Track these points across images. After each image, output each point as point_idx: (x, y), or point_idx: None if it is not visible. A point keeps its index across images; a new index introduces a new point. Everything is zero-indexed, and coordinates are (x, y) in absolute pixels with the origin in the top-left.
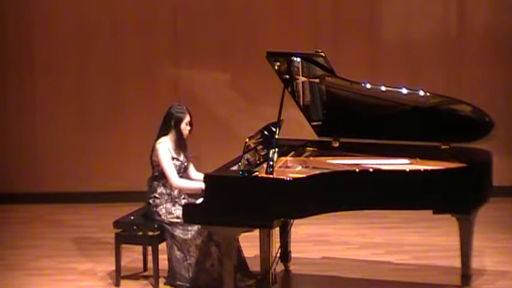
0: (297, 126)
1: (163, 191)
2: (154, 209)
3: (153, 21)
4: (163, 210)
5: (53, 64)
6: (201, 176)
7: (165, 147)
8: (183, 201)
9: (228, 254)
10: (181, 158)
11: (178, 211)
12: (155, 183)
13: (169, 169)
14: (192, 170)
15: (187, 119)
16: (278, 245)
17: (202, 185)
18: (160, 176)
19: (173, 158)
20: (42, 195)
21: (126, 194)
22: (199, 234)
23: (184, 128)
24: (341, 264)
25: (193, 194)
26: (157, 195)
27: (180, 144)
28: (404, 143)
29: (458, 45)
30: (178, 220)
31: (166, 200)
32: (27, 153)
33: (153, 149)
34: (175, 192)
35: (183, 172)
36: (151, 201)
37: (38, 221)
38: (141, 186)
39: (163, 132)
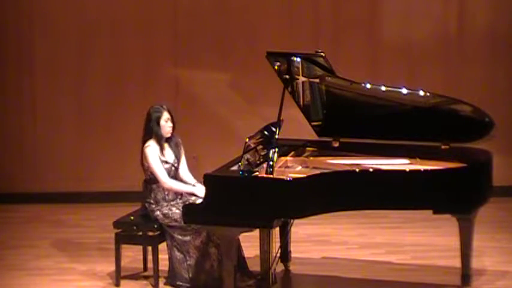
0: (297, 126)
1: (157, 196)
2: (151, 213)
3: (153, 21)
4: (161, 216)
5: (53, 64)
6: (190, 177)
7: (153, 150)
8: (180, 202)
9: (228, 254)
10: (170, 159)
11: (175, 215)
12: (148, 187)
13: (159, 171)
14: (183, 170)
15: (165, 116)
16: (278, 245)
17: (192, 189)
18: (152, 180)
19: (162, 161)
20: (42, 195)
21: (126, 194)
22: (198, 236)
23: (164, 125)
24: (341, 264)
25: (192, 195)
26: (152, 201)
27: (166, 144)
28: (404, 143)
29: (458, 45)
30: (176, 223)
31: (162, 206)
32: (27, 153)
33: (142, 154)
34: (170, 196)
35: (174, 173)
36: (147, 205)
37: (38, 221)
38: (141, 186)
39: (147, 136)
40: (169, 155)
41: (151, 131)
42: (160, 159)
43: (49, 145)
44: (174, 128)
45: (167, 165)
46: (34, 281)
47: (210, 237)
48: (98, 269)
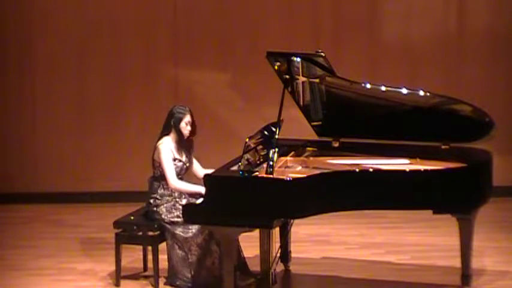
0: (297, 126)
1: (164, 192)
2: (155, 209)
3: (153, 21)
4: (164, 210)
5: (53, 64)
6: (209, 171)
7: (167, 147)
8: (184, 201)
9: (228, 253)
10: (183, 158)
11: (178, 210)
12: (156, 183)
13: (169, 170)
14: (199, 168)
15: (187, 119)
16: (278, 245)
17: (199, 188)
18: (161, 177)
19: (175, 159)
20: (42, 195)
21: (126, 194)
22: (200, 233)
23: (184, 127)
24: (341, 264)
25: (194, 195)
26: (158, 197)
27: (181, 145)
28: (404, 143)
29: (458, 45)
30: (178, 219)
31: (167, 201)
32: (27, 153)
33: (155, 149)
34: (176, 193)
35: (184, 173)
36: (151, 201)
37: (38, 221)
38: (141, 186)
39: (164, 132)
40: (182, 154)
41: (170, 128)
42: (174, 156)
43: (49, 145)
44: (194, 132)
45: (180, 163)
46: (34, 281)
47: (212, 234)
48: (98, 269)
